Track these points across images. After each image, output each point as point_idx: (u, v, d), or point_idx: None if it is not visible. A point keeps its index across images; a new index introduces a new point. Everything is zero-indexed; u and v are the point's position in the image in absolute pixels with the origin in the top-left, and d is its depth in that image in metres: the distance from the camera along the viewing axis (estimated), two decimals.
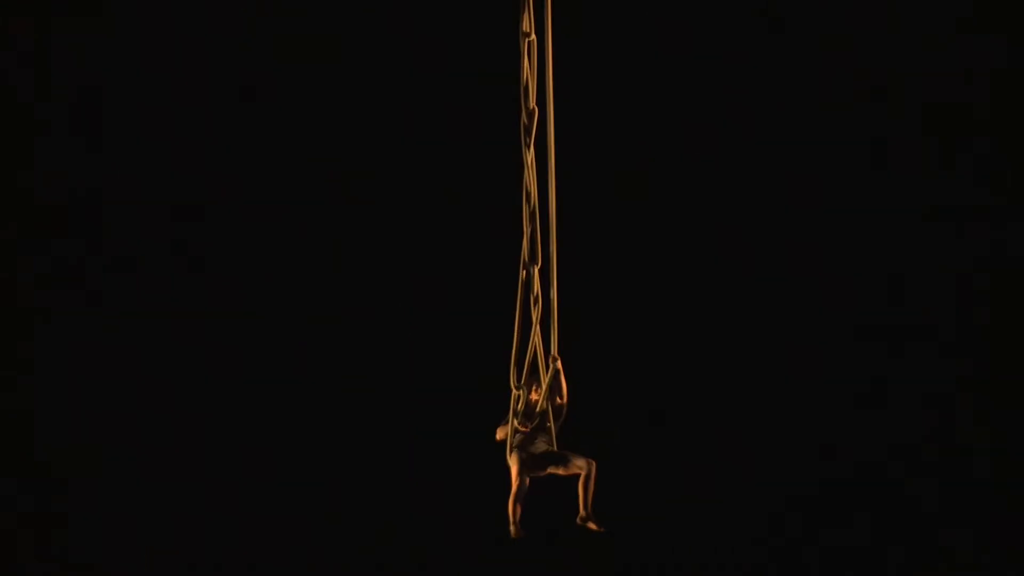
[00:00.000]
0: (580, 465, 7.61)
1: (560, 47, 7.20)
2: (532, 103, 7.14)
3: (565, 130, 7.24)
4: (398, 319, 9.74)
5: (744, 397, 9.77)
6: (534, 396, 7.59)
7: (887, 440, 9.76)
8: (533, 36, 7.15)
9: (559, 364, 7.55)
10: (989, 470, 9.66)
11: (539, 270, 7.31)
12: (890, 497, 9.73)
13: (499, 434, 7.70)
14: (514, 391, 7.51)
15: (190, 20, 9.50)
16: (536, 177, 7.19)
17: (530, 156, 7.14)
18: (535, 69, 7.13)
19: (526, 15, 7.12)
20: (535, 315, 7.35)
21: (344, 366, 9.76)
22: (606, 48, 9.38)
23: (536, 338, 7.38)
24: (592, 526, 7.59)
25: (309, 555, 9.69)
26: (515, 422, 7.56)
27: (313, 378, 9.76)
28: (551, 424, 7.62)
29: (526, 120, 7.16)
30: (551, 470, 7.63)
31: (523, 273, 7.33)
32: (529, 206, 7.23)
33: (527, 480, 7.55)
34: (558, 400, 7.62)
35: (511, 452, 7.55)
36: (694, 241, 9.75)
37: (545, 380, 7.50)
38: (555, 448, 7.62)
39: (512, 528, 7.56)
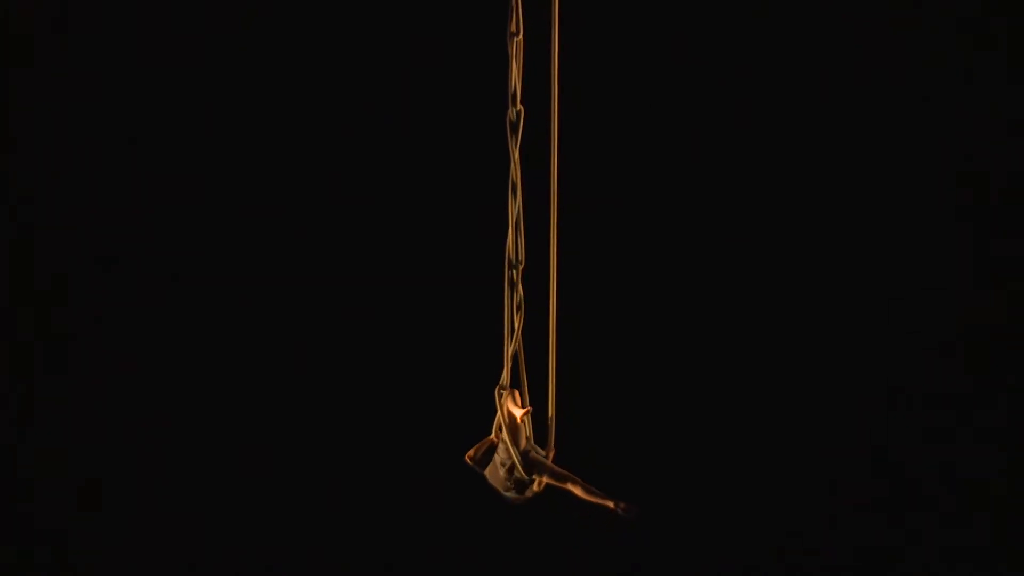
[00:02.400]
0: (566, 483, 7.57)
1: (553, 44, 7.26)
2: (519, 103, 7.15)
3: (561, 128, 7.28)
4: (388, 316, 9.75)
5: (747, 404, 9.73)
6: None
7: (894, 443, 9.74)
8: (520, 36, 7.16)
9: (552, 455, 7.60)
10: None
11: (528, 272, 7.30)
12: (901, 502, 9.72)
13: (468, 456, 7.71)
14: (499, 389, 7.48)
15: (181, 19, 9.53)
16: (521, 176, 7.18)
17: (516, 153, 7.13)
18: (522, 69, 7.13)
19: (514, 15, 7.13)
20: (518, 320, 7.32)
21: (326, 365, 9.78)
22: (604, 45, 9.37)
23: (518, 341, 7.35)
24: (623, 505, 7.50)
25: (308, 556, 9.72)
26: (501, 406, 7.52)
27: (296, 374, 9.78)
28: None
29: (513, 117, 7.15)
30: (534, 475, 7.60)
31: (510, 273, 7.30)
32: (516, 204, 7.22)
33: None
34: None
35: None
36: (694, 241, 9.70)
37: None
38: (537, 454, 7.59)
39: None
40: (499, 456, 7.61)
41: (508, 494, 7.65)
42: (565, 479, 7.52)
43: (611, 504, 7.41)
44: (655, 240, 9.67)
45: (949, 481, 9.64)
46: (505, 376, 7.49)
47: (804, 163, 9.67)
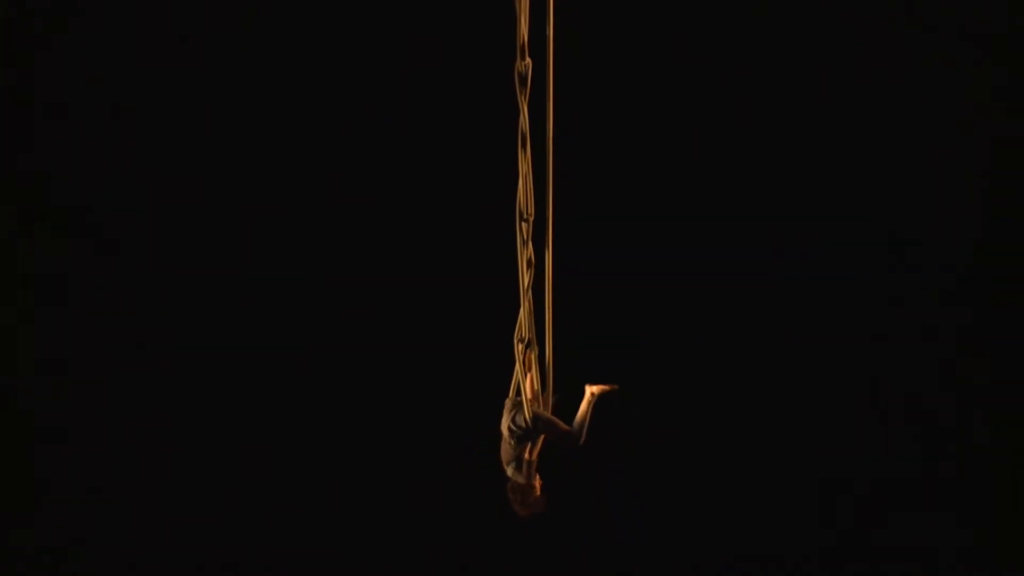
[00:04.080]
0: (567, 437, 7.49)
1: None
2: (527, 57, 7.16)
3: (567, 82, 7.28)
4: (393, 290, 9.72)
5: (755, 382, 9.69)
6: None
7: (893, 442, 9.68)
8: None
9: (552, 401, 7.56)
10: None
11: (536, 226, 7.26)
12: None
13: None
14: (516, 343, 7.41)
15: (181, 19, 9.56)
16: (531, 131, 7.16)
17: (526, 106, 7.13)
18: (528, 21, 7.15)
19: None
20: (528, 278, 7.28)
21: (322, 353, 9.76)
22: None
23: (527, 304, 7.30)
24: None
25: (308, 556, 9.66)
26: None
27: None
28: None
29: (522, 70, 7.16)
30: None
31: (523, 227, 7.26)
32: (525, 155, 7.21)
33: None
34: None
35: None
36: (700, 202, 9.68)
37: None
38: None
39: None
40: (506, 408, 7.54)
41: (509, 469, 7.54)
42: (567, 433, 7.44)
43: (608, 388, 7.36)
44: (660, 202, 9.69)
45: (948, 480, 9.63)
46: (524, 327, 7.39)
47: (805, 119, 9.68)
